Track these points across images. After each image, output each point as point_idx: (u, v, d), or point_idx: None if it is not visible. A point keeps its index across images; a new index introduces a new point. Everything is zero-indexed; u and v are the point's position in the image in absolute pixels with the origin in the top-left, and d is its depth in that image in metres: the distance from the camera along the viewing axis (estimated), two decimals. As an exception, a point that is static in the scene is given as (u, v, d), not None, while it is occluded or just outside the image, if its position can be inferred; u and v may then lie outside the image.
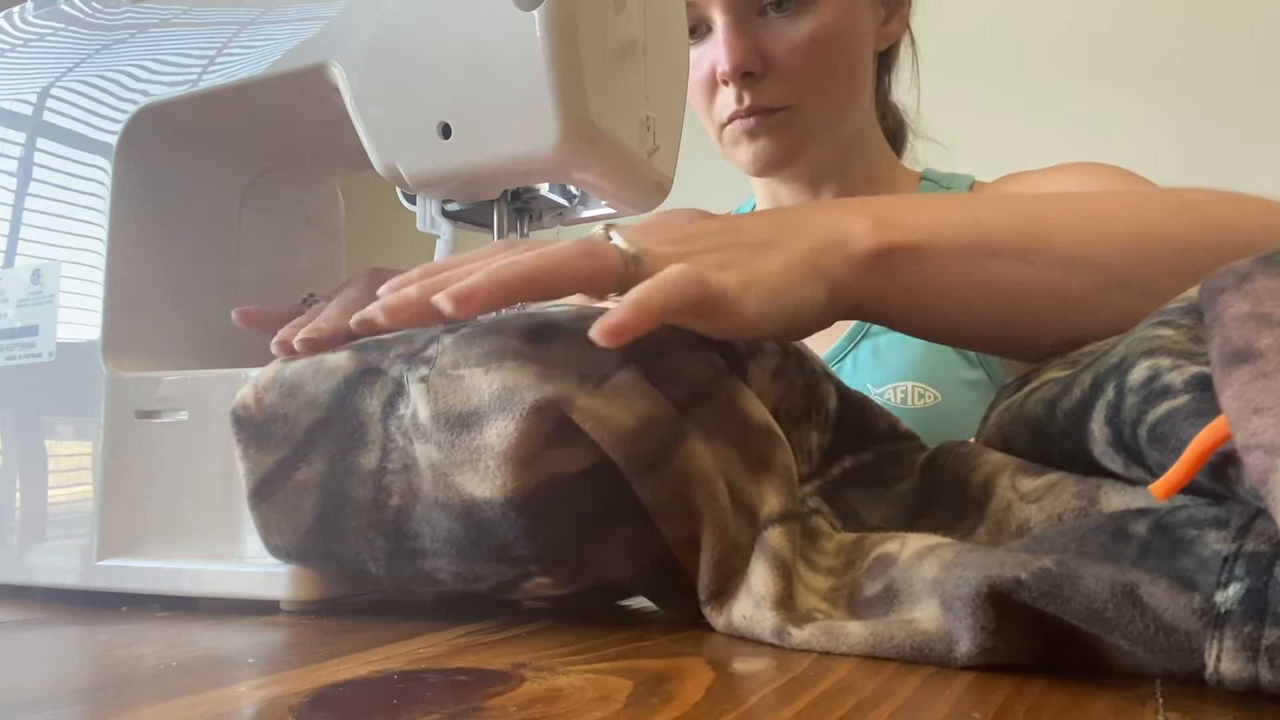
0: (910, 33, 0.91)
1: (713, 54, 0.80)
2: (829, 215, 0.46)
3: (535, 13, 0.43)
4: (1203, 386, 0.31)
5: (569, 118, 0.44)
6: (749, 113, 0.80)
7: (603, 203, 0.53)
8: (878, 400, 0.81)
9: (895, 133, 0.96)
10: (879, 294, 0.45)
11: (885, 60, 0.92)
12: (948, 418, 0.81)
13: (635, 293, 0.37)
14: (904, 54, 0.93)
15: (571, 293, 0.39)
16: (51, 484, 0.53)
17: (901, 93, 0.95)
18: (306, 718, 0.26)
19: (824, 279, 0.43)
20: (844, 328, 0.88)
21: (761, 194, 0.95)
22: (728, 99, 0.81)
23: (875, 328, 0.84)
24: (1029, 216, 0.47)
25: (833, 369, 0.80)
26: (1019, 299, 0.46)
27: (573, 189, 0.53)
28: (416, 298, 0.39)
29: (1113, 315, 0.44)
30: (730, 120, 0.82)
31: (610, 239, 0.41)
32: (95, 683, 0.33)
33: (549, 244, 0.41)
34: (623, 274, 0.40)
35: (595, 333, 0.35)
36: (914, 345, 0.82)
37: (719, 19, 0.78)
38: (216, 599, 0.47)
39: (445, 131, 0.46)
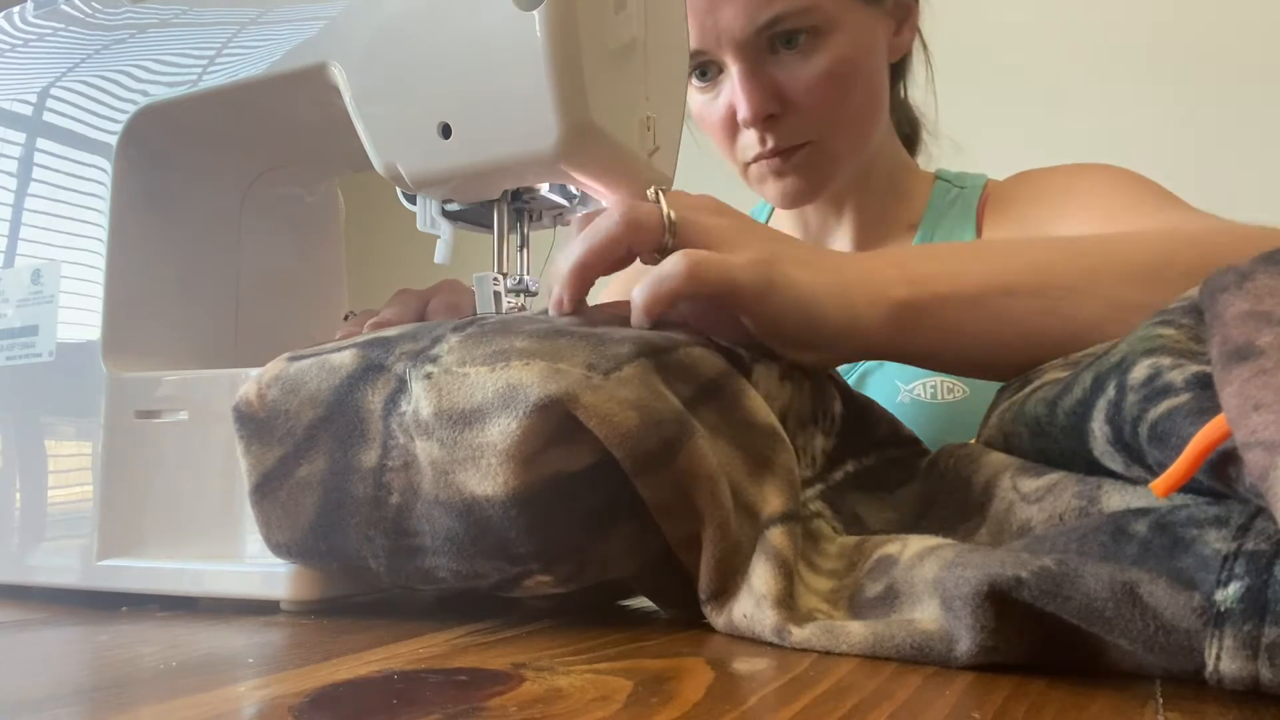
0: (920, 35, 0.90)
1: (729, 97, 0.80)
2: (864, 262, 0.50)
3: (535, 13, 0.43)
4: (1203, 385, 0.31)
5: (569, 118, 0.44)
6: (773, 153, 0.80)
7: (603, 203, 0.53)
8: (906, 396, 0.82)
9: (910, 134, 0.95)
10: (898, 340, 0.49)
11: (898, 67, 0.91)
12: (975, 411, 0.80)
13: (659, 271, 0.43)
14: (916, 56, 0.92)
15: (624, 259, 0.45)
16: (51, 484, 0.53)
17: (916, 93, 0.94)
18: (306, 718, 0.26)
19: (849, 311, 0.47)
20: None
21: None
22: (750, 141, 0.81)
23: None
24: (1038, 256, 0.52)
25: (860, 366, 0.81)
26: (1036, 331, 0.49)
27: (573, 189, 0.53)
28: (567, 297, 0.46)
29: (1117, 323, 0.46)
30: (755, 160, 0.82)
31: (656, 201, 0.45)
32: (95, 683, 0.33)
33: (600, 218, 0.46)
34: (662, 240, 0.45)
35: (637, 312, 0.43)
36: None
37: (733, 66, 0.78)
38: (216, 599, 0.47)
39: (445, 131, 0.46)
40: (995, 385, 0.82)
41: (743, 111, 0.78)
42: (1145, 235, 0.56)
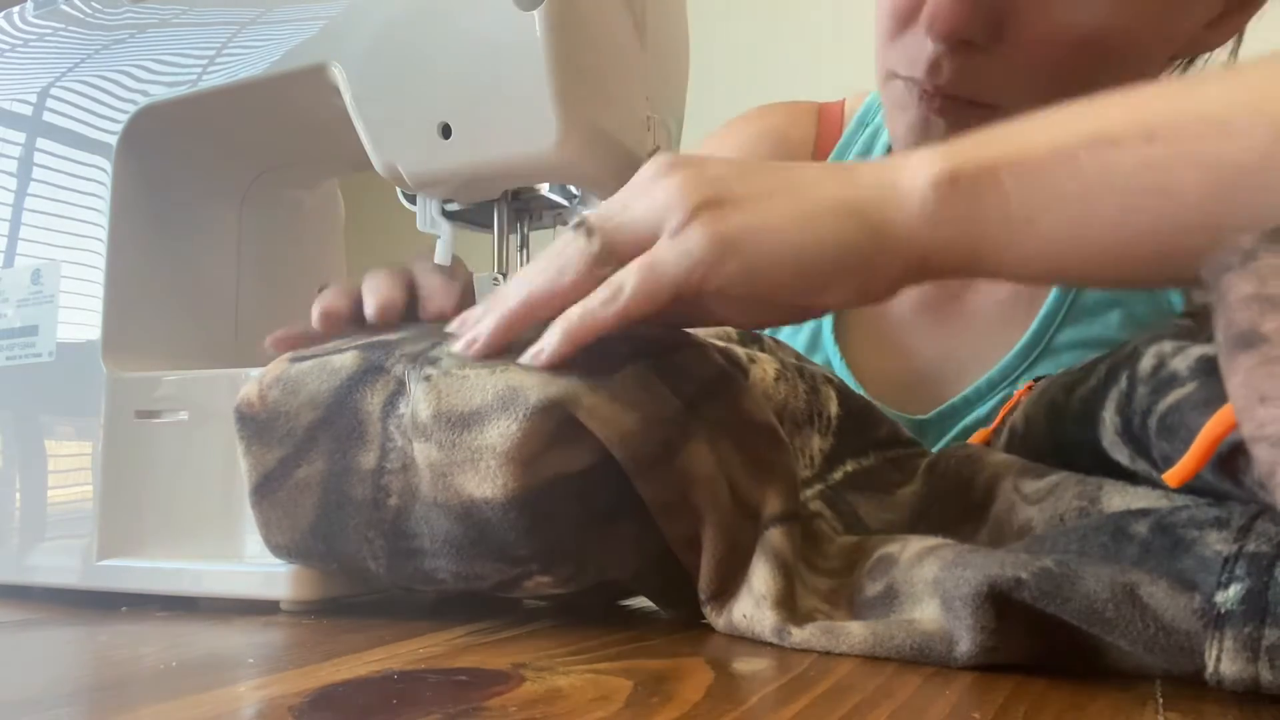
0: (1239, 39, 0.61)
1: None
2: (865, 167, 0.39)
3: (535, 13, 0.43)
4: (1207, 371, 0.30)
5: (569, 118, 0.44)
6: (938, 91, 0.56)
7: (600, 205, 0.53)
8: None
9: None
10: (953, 238, 0.36)
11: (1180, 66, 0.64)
12: None
13: (572, 311, 0.37)
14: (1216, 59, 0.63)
15: (563, 306, 0.38)
16: (51, 484, 0.53)
17: None
18: (306, 718, 0.26)
19: (858, 217, 0.36)
20: (1010, 343, 0.69)
21: None
22: (917, 50, 0.56)
23: (1045, 350, 0.67)
24: (1152, 97, 0.36)
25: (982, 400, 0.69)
26: (1161, 192, 0.34)
27: (573, 189, 0.53)
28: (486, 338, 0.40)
29: None
30: (908, 79, 0.57)
31: (577, 235, 0.39)
32: (95, 683, 0.33)
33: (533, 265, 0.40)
34: (597, 274, 0.38)
35: (524, 359, 0.37)
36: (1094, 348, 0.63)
37: None
38: (216, 599, 0.47)
39: (445, 131, 0.46)
40: None
41: (933, 17, 0.53)
42: None
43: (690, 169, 0.38)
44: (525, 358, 0.38)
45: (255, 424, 0.43)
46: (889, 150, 0.70)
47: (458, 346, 0.40)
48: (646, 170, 0.39)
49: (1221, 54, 0.63)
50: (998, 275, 0.38)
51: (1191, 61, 0.63)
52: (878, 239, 0.36)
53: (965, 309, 0.73)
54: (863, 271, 0.37)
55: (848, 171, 0.38)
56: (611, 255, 0.38)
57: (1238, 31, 0.60)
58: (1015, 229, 0.35)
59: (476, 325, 0.40)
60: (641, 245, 0.37)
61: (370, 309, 0.47)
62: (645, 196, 0.38)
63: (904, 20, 0.56)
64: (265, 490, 0.42)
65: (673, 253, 0.36)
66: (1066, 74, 0.53)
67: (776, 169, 0.39)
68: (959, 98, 0.55)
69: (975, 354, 0.71)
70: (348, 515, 0.41)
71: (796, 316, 0.41)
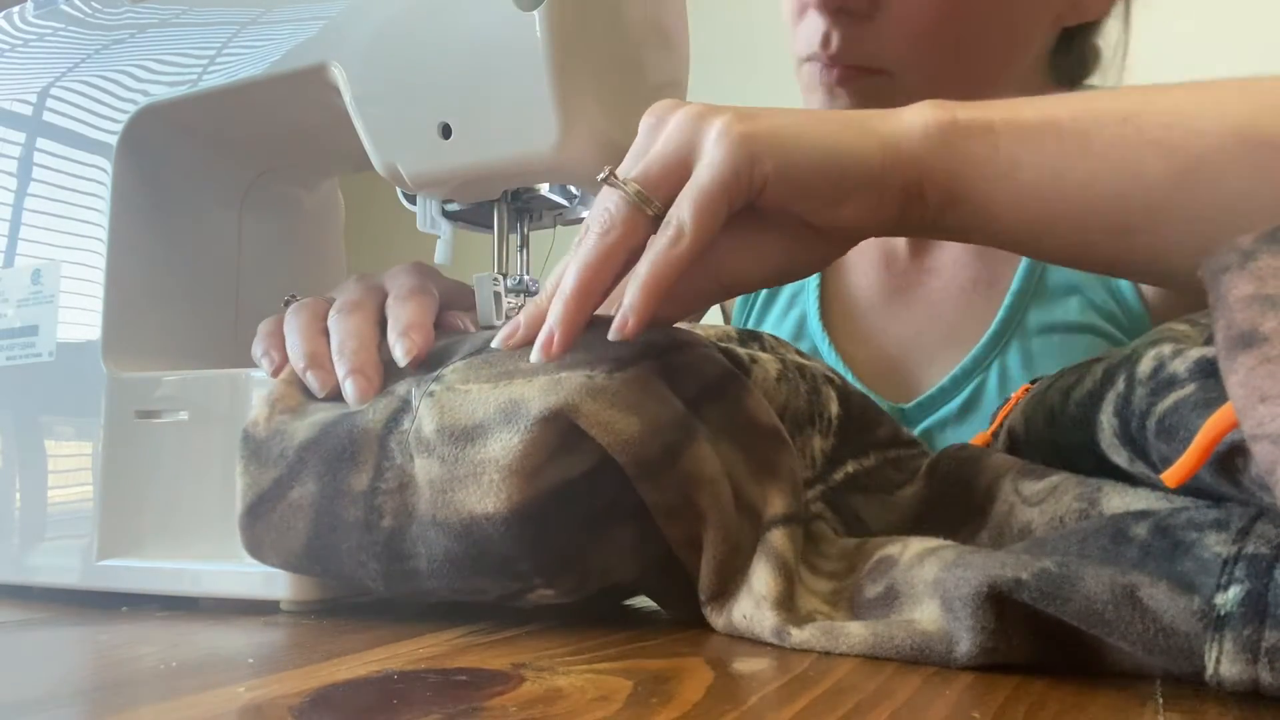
0: (1127, 6, 0.67)
1: None
2: (875, 113, 0.41)
3: (535, 13, 0.43)
4: (1207, 373, 0.30)
5: (569, 118, 0.44)
6: (832, 61, 0.61)
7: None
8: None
9: (1074, 77, 0.73)
10: (947, 166, 0.38)
11: (1076, 37, 0.68)
12: None
13: (640, 270, 0.37)
14: (1112, 33, 0.69)
15: (622, 270, 0.38)
16: (51, 484, 0.53)
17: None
18: (306, 718, 0.26)
19: (874, 135, 0.38)
20: (978, 327, 0.72)
21: None
22: (812, 29, 0.62)
23: (1015, 332, 0.70)
24: (1132, 92, 0.41)
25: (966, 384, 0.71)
26: (1128, 167, 0.38)
27: (573, 189, 0.53)
28: (522, 336, 0.39)
29: (1256, 180, 0.36)
30: (809, 59, 0.63)
31: (613, 186, 0.39)
32: (95, 683, 0.33)
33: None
34: (642, 219, 0.38)
35: (611, 335, 0.37)
36: (1058, 346, 0.69)
37: None
38: (216, 599, 0.47)
39: (445, 131, 0.46)
40: None
41: None
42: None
43: (693, 104, 0.40)
44: (613, 331, 0.37)
45: (254, 444, 0.43)
46: None
47: (534, 355, 0.38)
48: (647, 119, 0.41)
49: (1116, 26, 0.68)
50: (973, 220, 0.40)
51: (1084, 30, 0.67)
52: (886, 154, 0.38)
53: (931, 295, 0.76)
54: (877, 186, 0.39)
55: (851, 110, 0.40)
56: (653, 193, 0.38)
57: (1112, 3, 0.66)
58: (1000, 172, 0.38)
59: (547, 322, 0.38)
60: (676, 175, 0.38)
61: (299, 361, 0.44)
62: (660, 134, 0.39)
63: (801, 7, 0.63)
64: (260, 511, 0.42)
65: (713, 167, 0.37)
66: (947, 36, 0.59)
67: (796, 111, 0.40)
68: (853, 66, 0.60)
69: (946, 337, 0.74)
70: (340, 538, 0.40)
71: (820, 250, 0.42)
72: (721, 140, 0.37)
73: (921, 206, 0.40)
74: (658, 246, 0.37)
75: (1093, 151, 0.38)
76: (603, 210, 0.39)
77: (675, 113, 0.40)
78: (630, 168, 0.39)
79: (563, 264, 0.40)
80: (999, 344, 0.71)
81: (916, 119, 0.39)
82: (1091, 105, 0.39)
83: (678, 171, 0.38)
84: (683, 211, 0.37)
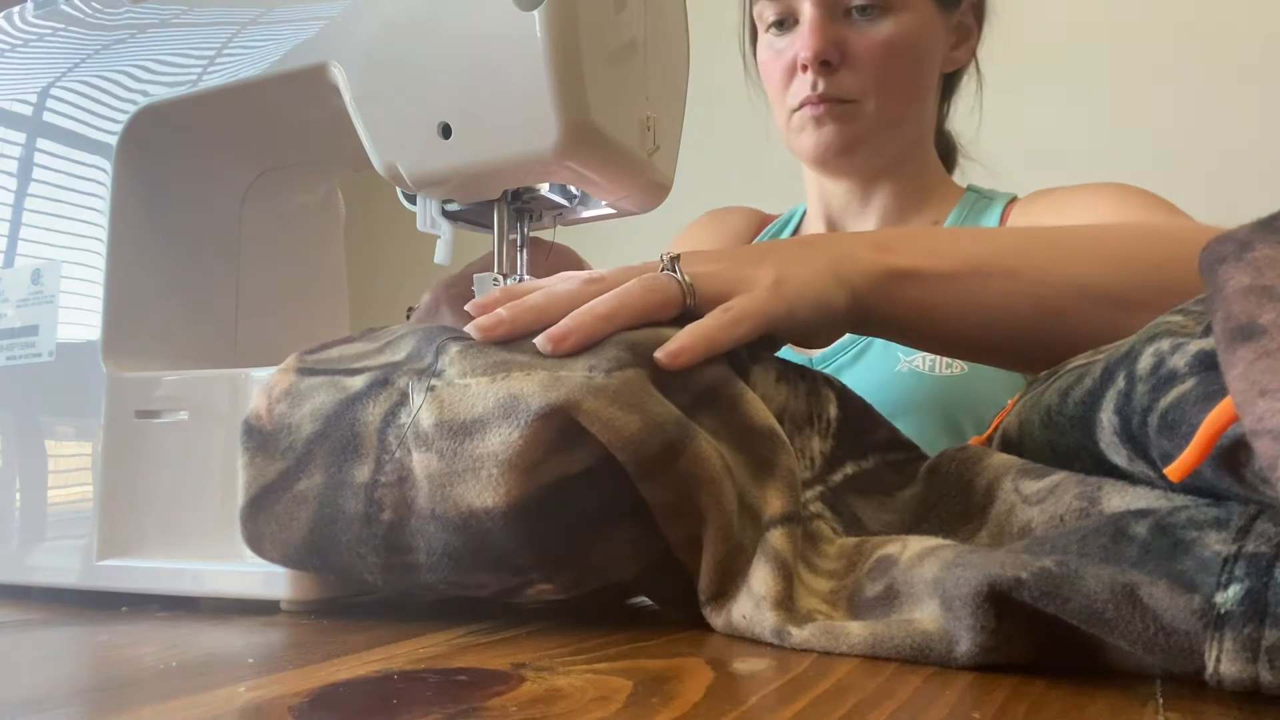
0: (977, 63, 0.98)
1: (796, 44, 0.89)
2: (840, 240, 0.54)
3: (535, 13, 0.43)
4: (1207, 366, 0.30)
5: (569, 118, 0.44)
6: (820, 99, 0.88)
7: (603, 203, 0.53)
8: (905, 367, 0.84)
9: (947, 154, 1.03)
10: (887, 307, 0.51)
11: (949, 87, 0.99)
12: (973, 386, 0.84)
13: (699, 327, 0.43)
14: (968, 83, 1.00)
15: (643, 323, 0.43)
16: (51, 484, 0.53)
17: (961, 118, 1.02)
18: (306, 718, 0.26)
19: (844, 285, 0.50)
20: None
21: (813, 194, 0.99)
22: (803, 85, 0.89)
23: None
24: (1014, 242, 0.55)
25: (864, 338, 0.83)
26: (1008, 311, 0.53)
27: (573, 189, 0.53)
28: (509, 318, 0.42)
29: (1096, 327, 0.50)
30: (801, 106, 0.89)
31: (667, 269, 0.46)
32: (95, 683, 0.33)
33: (605, 275, 0.45)
34: (684, 303, 0.45)
35: (660, 355, 0.41)
36: None
37: (807, 11, 0.87)
38: (216, 599, 0.47)
39: (445, 131, 0.46)
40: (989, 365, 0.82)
41: (805, 52, 0.87)
42: (1124, 227, 0.59)
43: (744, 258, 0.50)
44: (661, 353, 0.40)
45: (260, 436, 0.43)
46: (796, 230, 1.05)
47: (541, 344, 0.40)
48: (743, 255, 0.50)
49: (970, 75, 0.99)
50: (900, 338, 0.55)
51: (956, 74, 0.98)
52: (851, 301, 0.50)
53: None
54: (841, 323, 0.50)
55: (837, 246, 0.52)
56: (697, 297, 0.46)
57: (972, 57, 0.97)
58: (924, 313, 0.52)
59: (566, 321, 0.41)
60: (723, 296, 0.46)
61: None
62: (734, 267, 0.48)
63: (788, 73, 0.91)
64: (263, 503, 0.42)
65: (757, 299, 0.46)
66: (890, 73, 0.88)
67: (798, 242, 0.53)
68: (834, 99, 0.89)
69: None
70: (340, 530, 0.40)
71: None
72: (761, 293, 0.47)
73: (866, 329, 0.53)
74: (723, 320, 0.43)
75: (989, 297, 0.52)
76: (655, 277, 0.45)
77: (753, 266, 0.49)
78: (691, 264, 0.47)
79: (558, 277, 0.46)
80: None
81: (871, 273, 0.51)
82: (988, 260, 0.53)
83: (726, 294, 0.46)
84: (744, 305, 0.45)
